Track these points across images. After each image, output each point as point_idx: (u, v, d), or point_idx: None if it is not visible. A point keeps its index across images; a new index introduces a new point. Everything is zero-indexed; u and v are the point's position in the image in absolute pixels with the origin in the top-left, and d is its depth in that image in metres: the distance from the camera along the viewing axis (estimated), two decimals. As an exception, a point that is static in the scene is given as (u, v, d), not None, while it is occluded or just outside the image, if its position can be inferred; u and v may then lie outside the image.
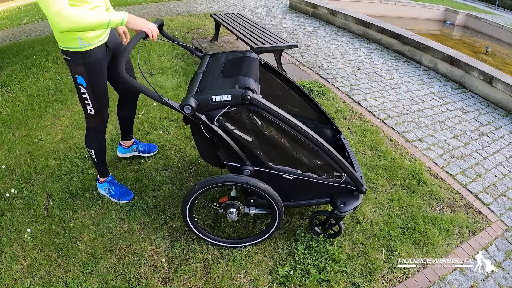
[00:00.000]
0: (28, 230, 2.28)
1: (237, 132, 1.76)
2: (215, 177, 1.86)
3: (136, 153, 2.92)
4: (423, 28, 10.33)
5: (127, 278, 1.96)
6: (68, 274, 1.99)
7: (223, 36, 6.40)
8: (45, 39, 7.50)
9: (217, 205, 2.08)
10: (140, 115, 3.59)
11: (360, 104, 3.93)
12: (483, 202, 2.63)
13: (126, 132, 2.76)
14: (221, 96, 1.65)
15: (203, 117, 1.70)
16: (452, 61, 4.70)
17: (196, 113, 1.68)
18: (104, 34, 1.99)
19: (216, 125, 1.72)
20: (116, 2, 11.02)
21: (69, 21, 1.60)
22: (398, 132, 3.42)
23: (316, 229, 2.22)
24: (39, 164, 2.94)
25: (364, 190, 2.02)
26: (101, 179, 2.52)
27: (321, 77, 4.66)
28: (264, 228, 2.11)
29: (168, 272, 2.01)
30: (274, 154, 1.88)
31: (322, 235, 2.18)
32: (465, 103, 4.19)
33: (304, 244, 2.14)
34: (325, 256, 2.08)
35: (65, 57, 1.92)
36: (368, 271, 2.04)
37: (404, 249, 2.18)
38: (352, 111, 3.78)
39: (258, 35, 4.81)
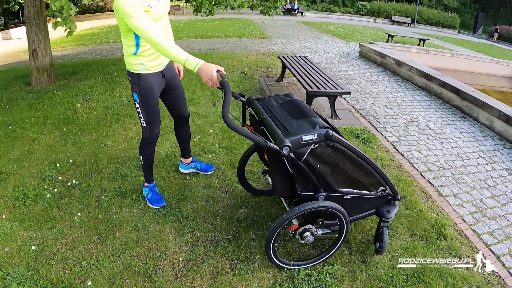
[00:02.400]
0: (79, 214, 2.75)
1: (317, 165, 2.05)
2: (308, 204, 2.10)
3: (195, 170, 3.29)
4: (494, 84, 9.91)
5: (147, 267, 2.29)
6: (101, 254, 2.38)
7: (288, 77, 6.74)
8: (129, 60, 8.49)
9: (292, 233, 2.29)
10: (195, 139, 4.02)
11: (402, 155, 3.98)
12: (503, 265, 2.53)
13: (184, 151, 3.19)
14: (309, 135, 1.96)
15: (292, 155, 1.96)
16: (508, 119, 4.53)
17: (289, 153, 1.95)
18: (161, 64, 2.47)
19: (303, 162, 1.98)
20: (198, 34, 12.20)
21: (158, 47, 2.05)
22: (433, 186, 3.41)
23: (376, 244, 2.49)
24: (100, 165, 3.47)
25: (399, 198, 2.44)
26: (145, 184, 2.93)
27: (372, 125, 4.78)
28: (327, 246, 2.42)
29: (182, 270, 2.29)
30: (340, 179, 2.18)
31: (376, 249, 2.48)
32: (515, 164, 4.01)
33: (306, 271, 2.29)
34: (322, 285, 2.19)
35: (128, 77, 2.45)
36: (361, 309, 2.11)
37: (403, 296, 2.20)
38: (393, 160, 3.84)
39: (316, 79, 5.10)
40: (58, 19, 4.71)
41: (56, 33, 6.61)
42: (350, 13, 29.45)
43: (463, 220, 2.96)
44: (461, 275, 2.39)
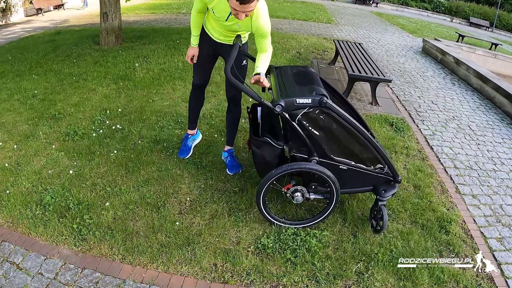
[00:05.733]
0: (115, 151, 3.18)
1: (311, 128, 2.23)
2: (297, 163, 2.30)
3: (225, 162, 3.12)
4: None
5: (158, 200, 2.65)
6: (124, 184, 2.78)
7: (341, 62, 6.75)
8: (193, 29, 8.87)
9: (285, 191, 2.47)
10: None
11: (432, 148, 3.91)
12: (503, 273, 2.45)
13: (227, 137, 3.09)
14: (303, 99, 2.14)
15: (287, 115, 2.17)
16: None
17: (282, 111, 2.14)
18: (213, 36, 2.64)
19: (296, 123, 2.18)
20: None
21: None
22: (453, 182, 3.34)
23: (373, 221, 2.59)
24: (143, 116, 3.89)
25: (399, 180, 2.48)
26: (187, 130, 3.26)
27: (410, 116, 4.71)
28: (319, 211, 2.54)
29: (186, 208, 2.62)
30: (335, 148, 2.33)
31: (373, 228, 2.58)
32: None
33: (295, 230, 2.47)
34: (306, 245, 2.36)
35: None
36: (334, 275, 2.21)
37: (381, 274, 2.25)
38: (420, 152, 3.79)
39: (361, 65, 5.12)
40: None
41: (132, 1, 7.13)
42: (427, 9, 27.58)
43: (474, 220, 2.90)
44: (451, 271, 2.37)
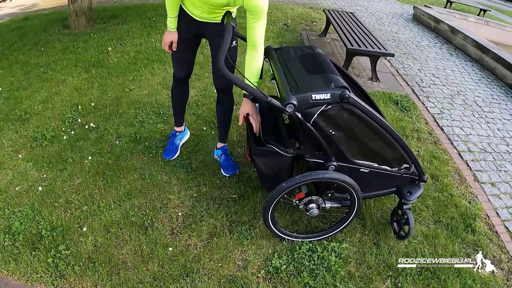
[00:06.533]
0: (90, 157, 2.71)
1: (329, 129, 1.80)
2: (312, 173, 1.87)
3: (219, 162, 2.74)
4: None
5: (144, 218, 2.24)
6: (103, 200, 2.35)
7: (332, 33, 6.32)
8: (170, 5, 8.20)
9: (297, 202, 2.08)
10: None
11: (442, 129, 3.60)
12: None
13: (220, 133, 2.71)
14: (320, 94, 1.69)
15: (299, 115, 1.72)
16: None
17: (295, 112, 1.70)
18: (194, 15, 2.18)
19: (311, 123, 1.75)
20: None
21: None
22: (470, 169, 3.07)
23: (395, 226, 2.29)
24: (120, 109, 3.40)
25: (425, 179, 2.16)
26: (174, 127, 2.83)
27: (414, 92, 4.37)
28: (336, 220, 2.24)
29: (180, 226, 2.22)
30: (356, 149, 1.93)
31: (396, 234, 2.28)
32: None
33: (310, 245, 2.12)
34: (324, 264, 2.03)
35: None
36: (361, 296, 1.92)
37: (412, 290, 1.98)
38: (431, 134, 3.49)
39: (359, 37, 4.72)
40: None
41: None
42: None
43: (497, 213, 2.64)
44: (482, 278, 2.11)
